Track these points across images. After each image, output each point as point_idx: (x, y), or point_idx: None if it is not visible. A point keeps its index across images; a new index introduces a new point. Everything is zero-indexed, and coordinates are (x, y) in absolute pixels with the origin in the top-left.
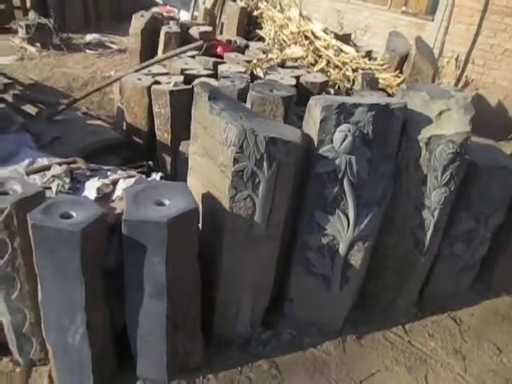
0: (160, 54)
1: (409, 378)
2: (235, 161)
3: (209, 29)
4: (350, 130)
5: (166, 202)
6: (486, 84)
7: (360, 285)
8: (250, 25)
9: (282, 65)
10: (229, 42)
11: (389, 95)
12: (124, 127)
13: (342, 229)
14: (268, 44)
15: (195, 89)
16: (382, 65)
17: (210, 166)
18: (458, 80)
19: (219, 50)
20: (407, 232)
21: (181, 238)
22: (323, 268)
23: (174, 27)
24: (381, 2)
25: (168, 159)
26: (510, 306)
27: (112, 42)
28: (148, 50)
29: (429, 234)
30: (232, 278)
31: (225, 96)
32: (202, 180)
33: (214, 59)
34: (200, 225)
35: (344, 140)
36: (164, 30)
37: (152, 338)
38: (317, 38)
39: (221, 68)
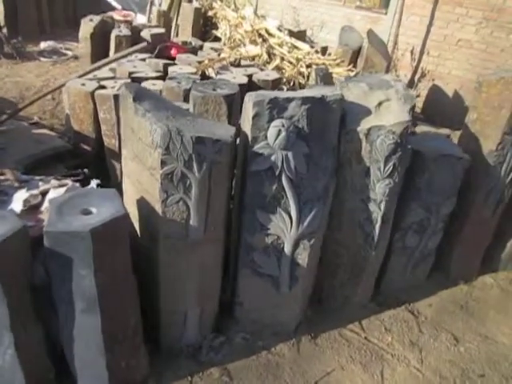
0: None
1: (364, 375)
2: (163, 163)
3: (161, 31)
4: (283, 125)
5: (94, 210)
6: (441, 74)
7: (311, 283)
8: (206, 25)
9: (237, 64)
10: (184, 43)
11: None
12: (72, 135)
13: (285, 227)
14: (224, 44)
15: (120, 90)
16: (335, 59)
17: (140, 169)
18: (415, 72)
19: (173, 51)
20: (356, 227)
21: (110, 248)
22: (270, 269)
23: (124, 30)
24: None
25: (117, 165)
26: (467, 294)
27: (67, 49)
28: (99, 55)
29: (377, 227)
30: (174, 286)
31: (153, 96)
32: (135, 185)
33: (164, 61)
34: (138, 232)
35: (278, 135)
36: (114, 33)
37: (89, 355)
38: (271, 35)
39: (171, 70)
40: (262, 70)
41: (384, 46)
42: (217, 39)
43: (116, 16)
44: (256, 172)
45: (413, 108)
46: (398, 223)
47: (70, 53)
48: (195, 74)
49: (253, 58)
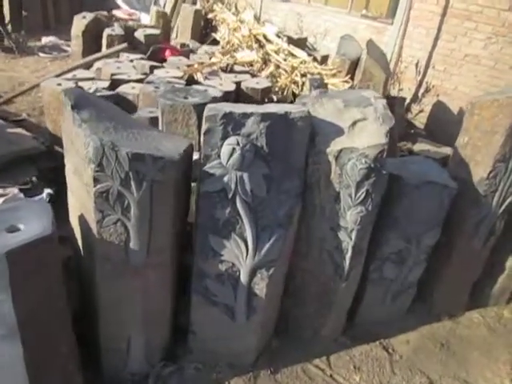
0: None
1: None
2: (96, 180)
3: (155, 32)
4: (238, 143)
5: (22, 227)
6: (447, 90)
7: (274, 314)
8: (206, 28)
9: (229, 70)
10: (182, 45)
11: None
12: (48, 135)
13: (240, 255)
14: (222, 47)
15: (62, 96)
16: (332, 69)
17: (79, 184)
18: (419, 86)
19: (167, 53)
20: (325, 256)
21: (33, 272)
22: (225, 298)
23: (117, 29)
24: (341, 5)
25: None
26: (450, 331)
27: (68, 45)
28: (90, 53)
29: (348, 257)
30: (114, 311)
31: (99, 104)
32: (77, 200)
33: (151, 63)
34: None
35: (232, 155)
36: (107, 32)
37: None
38: (269, 41)
39: (156, 73)
40: (254, 76)
41: (384, 57)
42: (216, 42)
43: (121, 14)
44: (208, 193)
45: (392, 130)
46: (374, 253)
47: (70, 49)
48: (181, 78)
49: (250, 64)
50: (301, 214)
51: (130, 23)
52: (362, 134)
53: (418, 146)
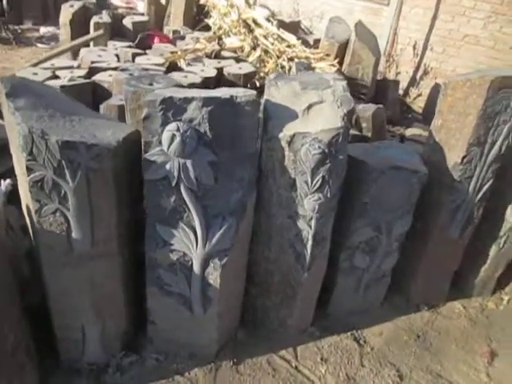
0: (91, 46)
1: None
2: (28, 169)
3: (144, 19)
4: (178, 129)
5: None
6: (445, 72)
7: (235, 304)
8: (200, 14)
9: (217, 55)
10: (175, 32)
11: None
12: None
13: (190, 244)
14: (214, 33)
15: None
16: (319, 53)
17: (20, 174)
18: (417, 69)
19: (156, 41)
20: (286, 245)
21: None
22: (179, 288)
23: (105, 17)
24: None
25: None
26: (428, 322)
27: None
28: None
29: (309, 246)
30: (63, 301)
31: (39, 92)
32: (21, 189)
33: (133, 51)
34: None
35: (172, 141)
36: (94, 20)
37: None
38: (259, 26)
39: (137, 60)
40: (241, 62)
41: (374, 39)
42: (209, 28)
43: (118, 3)
44: (151, 181)
45: (351, 113)
46: (343, 242)
47: None
48: (162, 65)
49: (241, 50)
50: (259, 201)
51: (120, 11)
52: (317, 118)
53: (411, 131)
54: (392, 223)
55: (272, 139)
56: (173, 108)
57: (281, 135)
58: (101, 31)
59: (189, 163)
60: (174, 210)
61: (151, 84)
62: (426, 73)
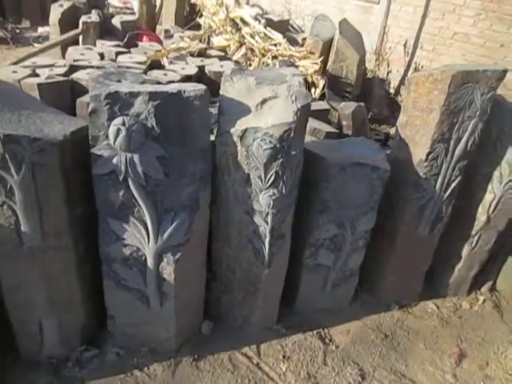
0: (80, 45)
1: None
2: None
3: (133, 18)
4: (124, 124)
5: None
6: None
7: (192, 300)
8: (192, 13)
9: (202, 54)
10: (166, 32)
11: (307, 83)
12: None
13: (142, 238)
14: (205, 32)
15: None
16: (303, 51)
17: None
18: (408, 67)
19: (145, 40)
20: (244, 241)
21: None
22: (135, 282)
23: (93, 17)
24: None
25: None
26: (398, 322)
27: None
28: (68, 41)
29: (267, 242)
30: (18, 294)
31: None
32: None
33: (117, 49)
34: None
35: (117, 135)
36: (82, 19)
37: None
38: (246, 24)
39: (120, 59)
40: (227, 60)
41: (359, 37)
42: (200, 28)
43: (116, 3)
44: (99, 176)
45: (306, 108)
46: (307, 239)
47: None
48: (144, 63)
49: (235, 51)
50: (216, 197)
51: (113, 10)
52: (269, 113)
53: (394, 129)
54: (356, 220)
55: (224, 134)
56: (119, 102)
57: (233, 130)
58: (79, 29)
59: (136, 157)
60: (124, 205)
61: (119, 81)
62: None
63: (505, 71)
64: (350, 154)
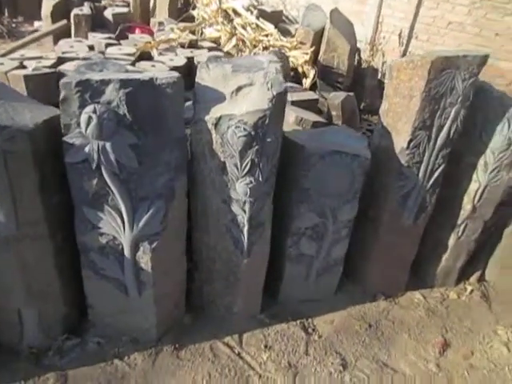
0: (72, 37)
1: None
2: None
3: (125, 10)
4: (95, 111)
5: None
6: None
7: (172, 289)
8: (186, 5)
9: (193, 45)
10: (160, 24)
11: (297, 73)
12: None
13: (118, 227)
14: (199, 24)
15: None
16: (293, 41)
17: None
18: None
19: (137, 32)
20: (223, 230)
21: None
22: (112, 271)
23: (85, 9)
24: None
25: None
26: (383, 312)
27: None
28: (61, 34)
29: (245, 231)
30: None
31: None
32: None
33: (106, 41)
34: None
35: (89, 123)
36: (74, 12)
37: None
38: (238, 15)
39: (109, 50)
40: (220, 51)
41: (350, 27)
42: (194, 19)
43: None
44: (72, 164)
45: (282, 95)
46: (288, 228)
47: None
48: (133, 55)
49: (226, 42)
50: (193, 185)
51: (101, 3)
52: (244, 100)
53: None
54: (337, 209)
55: (199, 122)
56: (90, 90)
57: (207, 118)
58: (64, 21)
59: (108, 146)
60: (98, 193)
61: (101, 70)
62: None
63: (486, 56)
64: (331, 142)
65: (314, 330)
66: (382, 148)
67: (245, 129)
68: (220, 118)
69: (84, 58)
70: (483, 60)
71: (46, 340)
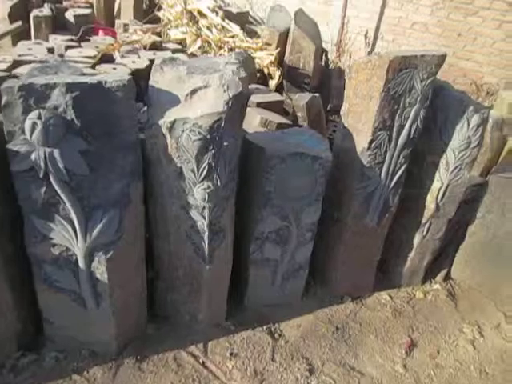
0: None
1: None
2: None
3: (87, 11)
4: (40, 117)
5: None
6: None
7: (132, 300)
8: (153, 7)
9: (157, 47)
10: (125, 26)
11: (263, 75)
12: None
13: (70, 237)
14: (165, 25)
15: None
16: (258, 42)
17: None
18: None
19: (100, 34)
20: (183, 237)
21: None
22: (68, 284)
23: (45, 10)
24: None
25: None
26: (350, 314)
27: None
28: (20, 35)
29: (206, 237)
30: None
31: None
32: None
33: (66, 44)
34: None
35: (34, 129)
36: (33, 13)
37: None
38: (203, 16)
39: (69, 53)
40: (184, 53)
41: (315, 27)
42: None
43: None
44: (18, 173)
45: (240, 97)
46: (251, 232)
47: None
48: (94, 57)
49: (191, 43)
50: (151, 192)
51: (62, 4)
52: (199, 103)
53: None
54: (300, 212)
55: (153, 126)
56: (34, 95)
57: (161, 122)
58: (19, 22)
59: (56, 153)
60: (48, 202)
61: (56, 74)
62: None
63: (443, 56)
64: (292, 144)
65: (280, 335)
66: (344, 149)
67: (200, 132)
68: (174, 121)
69: (41, 61)
70: (441, 60)
71: (0, 357)
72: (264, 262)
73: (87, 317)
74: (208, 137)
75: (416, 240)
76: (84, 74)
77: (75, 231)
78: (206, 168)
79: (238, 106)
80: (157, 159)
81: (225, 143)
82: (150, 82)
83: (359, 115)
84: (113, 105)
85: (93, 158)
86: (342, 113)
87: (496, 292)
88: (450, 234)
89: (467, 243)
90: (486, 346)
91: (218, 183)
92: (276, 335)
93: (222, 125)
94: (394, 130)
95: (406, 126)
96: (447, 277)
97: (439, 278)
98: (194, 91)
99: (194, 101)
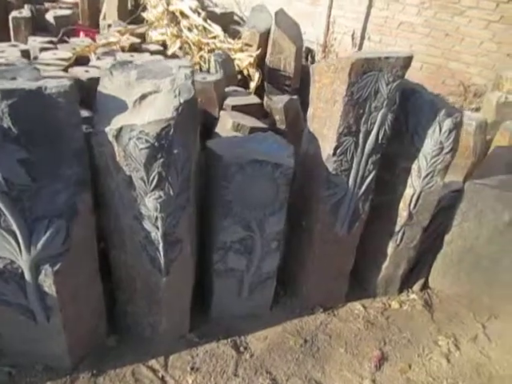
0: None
1: None
2: None
3: (67, 13)
4: None
5: None
6: None
7: (84, 313)
8: (137, 7)
9: (137, 49)
10: (109, 27)
11: (244, 77)
12: None
13: (14, 250)
14: (150, 25)
15: None
16: (239, 44)
17: None
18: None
19: (81, 35)
20: (139, 248)
21: None
22: (15, 297)
23: (25, 12)
24: None
25: None
26: (321, 325)
27: None
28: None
29: (161, 249)
30: None
31: None
32: None
33: (41, 46)
34: None
35: None
36: (12, 15)
37: None
38: (185, 17)
39: (42, 55)
40: (165, 55)
41: (297, 28)
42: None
43: None
44: None
45: (191, 102)
46: (213, 242)
47: None
48: (69, 59)
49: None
50: (102, 201)
51: (43, 5)
52: (148, 109)
53: None
54: (264, 221)
55: (99, 134)
56: None
57: (107, 129)
58: None
59: None
60: None
61: (14, 78)
62: None
63: (409, 58)
64: (253, 150)
65: (245, 348)
66: (309, 155)
67: (147, 140)
68: (121, 129)
69: (6, 64)
70: (407, 62)
71: None
72: (228, 273)
73: (38, 331)
74: (156, 144)
75: (390, 248)
76: (44, 79)
77: (18, 243)
78: (157, 177)
79: (190, 111)
80: (106, 168)
81: (175, 151)
82: (99, 88)
83: (324, 120)
84: (54, 112)
85: (34, 167)
86: (307, 117)
87: (475, 302)
88: (427, 243)
89: (445, 252)
90: (461, 360)
91: (171, 192)
92: (241, 348)
93: (171, 132)
94: (361, 135)
95: (373, 131)
96: (425, 286)
97: (416, 287)
98: (143, 96)
99: (143, 107)
